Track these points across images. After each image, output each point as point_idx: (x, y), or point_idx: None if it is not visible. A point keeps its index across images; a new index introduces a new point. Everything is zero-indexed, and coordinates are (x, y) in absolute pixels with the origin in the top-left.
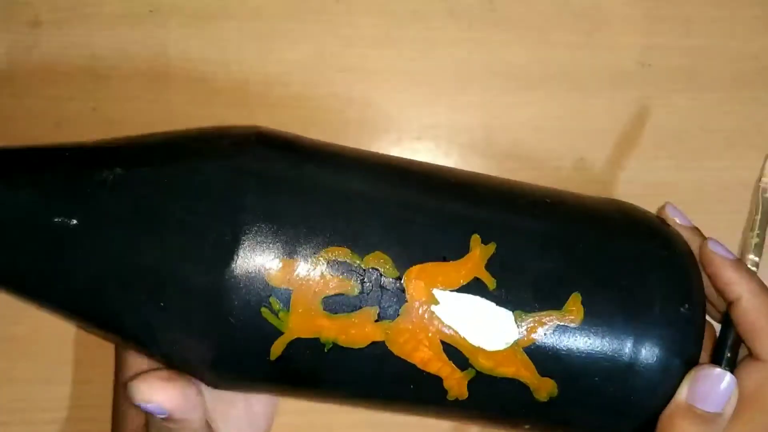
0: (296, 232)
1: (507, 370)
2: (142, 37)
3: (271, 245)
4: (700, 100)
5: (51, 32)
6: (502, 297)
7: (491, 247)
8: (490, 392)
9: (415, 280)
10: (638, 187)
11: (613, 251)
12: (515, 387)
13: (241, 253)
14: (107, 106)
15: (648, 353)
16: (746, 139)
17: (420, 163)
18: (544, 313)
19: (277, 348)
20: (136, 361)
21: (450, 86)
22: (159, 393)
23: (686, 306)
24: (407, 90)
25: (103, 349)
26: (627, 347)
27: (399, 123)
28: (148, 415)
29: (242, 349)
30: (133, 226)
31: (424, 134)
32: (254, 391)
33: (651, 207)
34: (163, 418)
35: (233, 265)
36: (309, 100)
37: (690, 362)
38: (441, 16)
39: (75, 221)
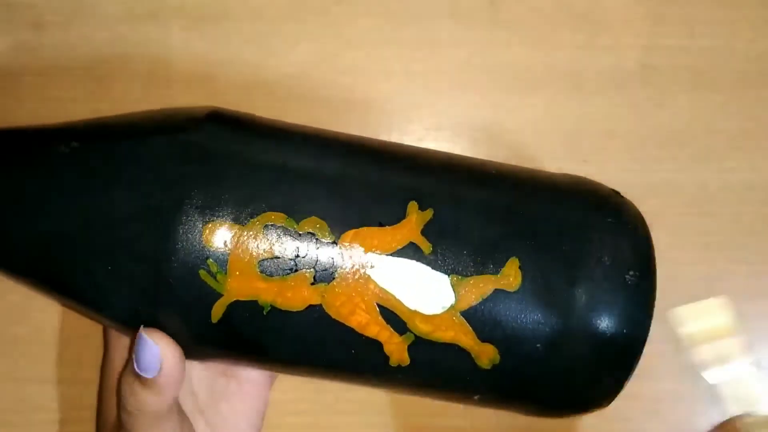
0: (235, 199)
1: (445, 335)
2: (144, 39)
3: (209, 210)
4: (704, 102)
5: (54, 34)
6: (438, 261)
7: (428, 213)
8: (431, 358)
9: (350, 243)
10: (641, 188)
11: (555, 217)
12: (456, 353)
13: (181, 217)
14: (110, 108)
15: (590, 321)
16: (750, 141)
17: (370, 139)
18: (481, 277)
19: (217, 310)
20: (122, 348)
21: (451, 87)
22: (165, 341)
23: (631, 273)
24: (408, 91)
25: None
26: (566, 314)
27: (400, 124)
28: (118, 407)
29: (185, 311)
30: (86, 193)
31: (425, 136)
32: (210, 359)
33: (654, 209)
34: (145, 380)
35: (173, 229)
36: (310, 101)
37: (637, 332)
38: (442, 17)
39: (33, 189)
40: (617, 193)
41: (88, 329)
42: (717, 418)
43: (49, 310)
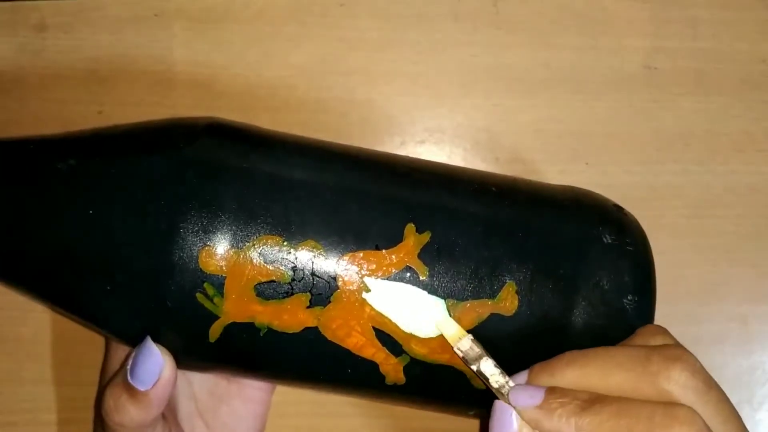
0: (231, 221)
1: (441, 357)
2: (147, 41)
3: (205, 232)
4: (707, 104)
5: (57, 36)
6: (435, 285)
7: (426, 236)
8: (427, 378)
9: (346, 268)
10: (644, 191)
11: (554, 238)
12: (451, 373)
13: (176, 239)
14: (112, 110)
15: (587, 345)
16: (754, 143)
17: (369, 152)
18: (478, 302)
19: (215, 331)
20: (123, 350)
21: (454, 89)
22: (167, 353)
23: (629, 298)
24: (410, 93)
25: None
26: (561, 339)
27: (402, 126)
28: (97, 421)
29: (182, 331)
30: (83, 212)
31: (427, 138)
32: (208, 372)
33: (657, 212)
34: (135, 393)
35: (169, 251)
36: (312, 103)
37: None
38: (444, 18)
39: (32, 207)
40: (619, 208)
41: (89, 331)
42: None
43: (52, 312)
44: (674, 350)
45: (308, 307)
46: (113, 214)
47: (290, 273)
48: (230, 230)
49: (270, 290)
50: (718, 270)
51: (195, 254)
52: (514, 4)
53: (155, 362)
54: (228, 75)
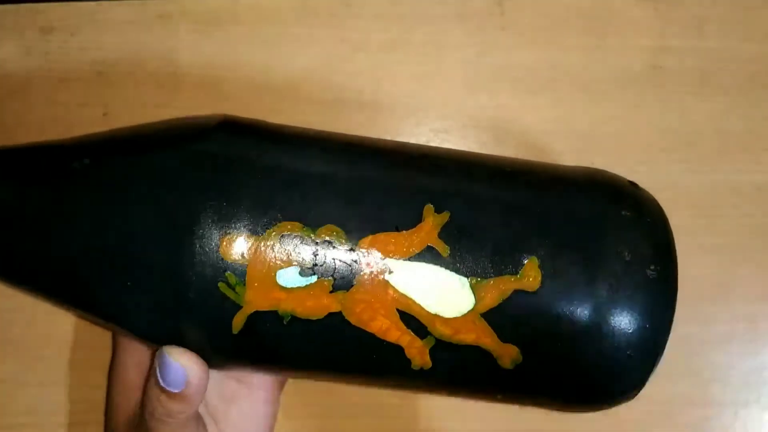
0: (250, 210)
1: (467, 337)
2: (153, 43)
3: (225, 223)
4: (714, 103)
5: (63, 38)
6: (457, 264)
7: (445, 216)
8: (453, 360)
9: (367, 249)
10: (650, 190)
11: (573, 214)
12: (478, 354)
13: (197, 231)
14: (118, 112)
15: (612, 317)
16: (761, 142)
17: (383, 141)
18: (501, 278)
19: (238, 321)
20: (131, 350)
21: (459, 90)
22: (188, 356)
23: (652, 267)
24: (416, 94)
25: None
26: (588, 311)
27: (408, 127)
28: (143, 411)
29: (205, 324)
30: (101, 210)
31: (433, 138)
32: (230, 369)
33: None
34: (171, 394)
35: (190, 243)
36: (318, 104)
37: (660, 326)
38: (450, 19)
39: (47, 207)
40: (634, 184)
41: (98, 333)
42: (728, 420)
43: (59, 314)
44: None
45: (331, 292)
46: (130, 210)
47: (311, 258)
48: (250, 218)
49: (292, 277)
50: (725, 270)
51: (215, 244)
52: (520, 5)
53: (177, 371)
54: (233, 77)
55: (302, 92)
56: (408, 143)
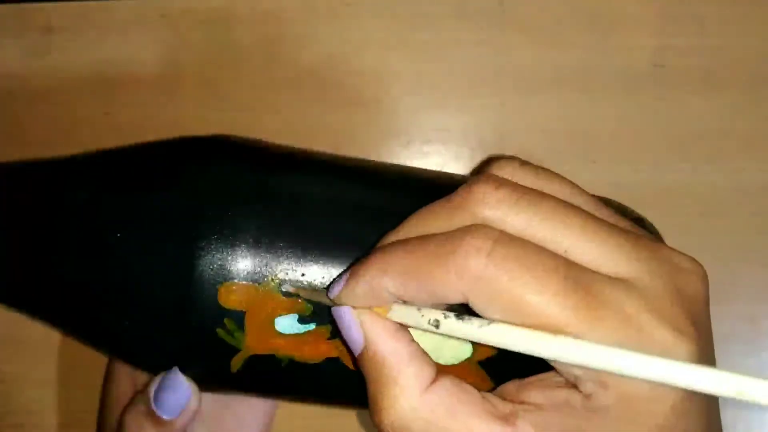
0: (248, 257)
1: (467, 380)
2: (153, 42)
3: (223, 268)
4: (716, 101)
5: (63, 38)
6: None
7: None
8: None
9: None
10: (652, 190)
11: None
12: None
13: (195, 277)
14: (119, 111)
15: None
16: (763, 141)
17: (383, 169)
18: None
19: (236, 363)
20: (125, 371)
21: (460, 89)
22: (191, 385)
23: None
24: (417, 93)
25: None
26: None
27: (409, 126)
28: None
29: (203, 364)
30: (98, 248)
31: (433, 137)
32: (227, 394)
33: (665, 211)
34: (159, 420)
35: (188, 288)
36: (319, 103)
37: None
38: (451, 18)
39: (47, 241)
40: (642, 219)
41: None
42: (729, 421)
43: None
44: (484, 174)
45: (329, 339)
46: (129, 250)
47: (310, 306)
48: (249, 265)
49: (290, 324)
50: (727, 269)
51: (214, 291)
52: (521, 3)
53: (183, 394)
54: (234, 76)
55: (303, 91)
56: (406, 170)
